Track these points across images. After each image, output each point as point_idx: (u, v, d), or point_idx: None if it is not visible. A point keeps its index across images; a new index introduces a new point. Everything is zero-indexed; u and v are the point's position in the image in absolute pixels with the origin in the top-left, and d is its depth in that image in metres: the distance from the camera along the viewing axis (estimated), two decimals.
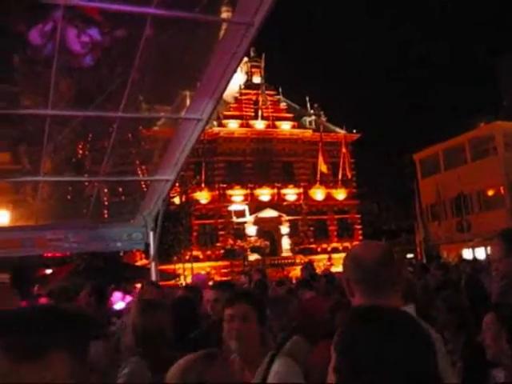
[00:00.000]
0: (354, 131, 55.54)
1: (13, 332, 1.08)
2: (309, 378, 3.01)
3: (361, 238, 53.44)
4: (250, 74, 52.73)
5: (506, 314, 2.79)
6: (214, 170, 48.88)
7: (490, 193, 40.39)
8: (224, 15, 5.53)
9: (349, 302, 2.29)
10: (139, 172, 8.29)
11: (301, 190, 51.86)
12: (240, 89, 51.69)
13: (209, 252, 47.28)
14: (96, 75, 5.89)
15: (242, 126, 51.16)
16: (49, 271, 25.11)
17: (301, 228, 51.48)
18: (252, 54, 50.81)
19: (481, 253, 29.42)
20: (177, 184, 23.56)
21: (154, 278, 8.08)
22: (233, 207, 45.60)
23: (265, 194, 50.42)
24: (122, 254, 24.08)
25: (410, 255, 43.21)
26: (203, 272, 31.87)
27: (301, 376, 2.78)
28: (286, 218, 49.90)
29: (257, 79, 52.38)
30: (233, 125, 50.90)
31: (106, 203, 8.84)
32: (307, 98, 56.98)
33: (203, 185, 46.12)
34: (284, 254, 48.50)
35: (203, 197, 47.48)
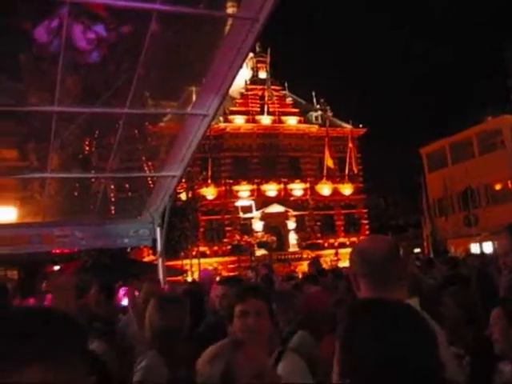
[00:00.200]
0: (361, 126, 55.38)
1: None
2: (316, 372, 3.01)
3: (368, 232, 53.33)
4: (255, 70, 52.66)
5: None
6: (221, 165, 48.87)
7: (498, 187, 40.18)
8: (229, 10, 5.52)
9: (354, 297, 2.29)
10: (146, 168, 8.30)
11: (307, 185, 51.79)
12: (246, 84, 51.62)
13: (216, 248, 47.32)
14: (102, 72, 5.89)
15: (248, 121, 51.10)
16: (56, 268, 25.21)
17: (307, 223, 51.44)
18: (258, 49, 50.71)
19: (488, 247, 29.28)
20: (183, 180, 23.59)
21: (161, 273, 8.10)
22: (239, 203, 45.55)
23: (271, 189, 50.40)
24: (129, 250, 24.13)
25: (417, 250, 43.12)
26: (210, 268, 31.93)
27: (308, 373, 2.77)
28: (292, 213, 49.87)
29: (263, 74, 52.29)
30: (239, 120, 50.85)
31: (113, 199, 8.86)
32: (313, 93, 56.96)
33: (210, 180, 46.14)
34: (291, 250, 48.48)
35: (210, 192, 47.51)
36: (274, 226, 49.01)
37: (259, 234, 46.40)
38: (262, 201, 48.51)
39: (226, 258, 46.17)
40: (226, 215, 48.24)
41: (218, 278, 7.74)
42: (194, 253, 33.20)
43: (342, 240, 51.09)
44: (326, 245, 51.06)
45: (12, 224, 7.89)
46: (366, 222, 55.22)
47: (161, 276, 8.12)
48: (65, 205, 8.40)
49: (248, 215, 45.29)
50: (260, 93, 51.70)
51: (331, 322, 4.10)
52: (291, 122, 52.99)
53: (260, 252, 43.70)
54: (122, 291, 8.95)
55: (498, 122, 40.48)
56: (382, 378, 1.47)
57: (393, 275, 2.14)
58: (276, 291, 6.21)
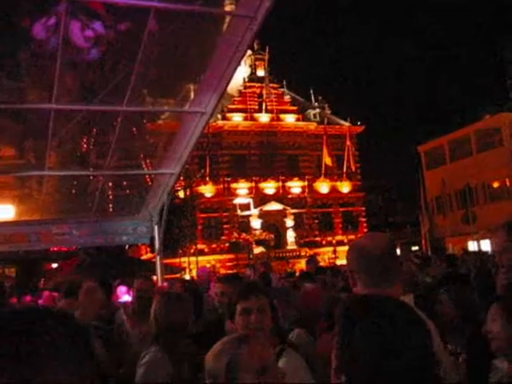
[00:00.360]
0: (359, 124, 55.41)
1: None
2: (314, 369, 3.01)
3: (365, 230, 53.40)
4: (253, 67, 52.64)
5: (510, 305, 2.79)
6: (219, 163, 48.89)
7: (496, 185, 40.25)
8: (227, 8, 5.52)
9: (350, 294, 2.31)
10: (144, 166, 8.30)
11: (305, 183, 51.82)
12: (244, 82, 51.60)
13: (214, 245, 47.35)
14: (100, 69, 5.89)
15: (246, 119, 51.10)
16: (54, 265, 25.21)
17: (305, 221, 51.50)
18: (256, 46, 50.74)
19: (486, 245, 29.32)
20: (181, 178, 23.59)
21: (159, 271, 8.10)
22: (237, 200, 45.60)
23: (269, 187, 50.43)
24: (127, 248, 24.13)
25: (415, 247, 43.19)
26: (208, 265, 31.95)
27: (307, 371, 2.78)
28: (290, 210, 49.90)
29: (261, 72, 52.27)
30: (237, 118, 50.85)
31: (111, 197, 8.86)
32: (311, 91, 56.97)
33: (208, 178, 46.19)
34: (289, 247, 48.50)
35: (208, 190, 47.54)
36: (272, 223, 49.05)
37: (257, 232, 46.39)
38: (260, 198, 48.56)
39: (224, 256, 46.20)
40: (224, 213, 48.29)
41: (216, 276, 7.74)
42: (192, 250, 33.20)
43: (339, 238, 51.11)
44: (323, 242, 51.13)
45: (10, 222, 7.88)
46: (363, 219, 55.30)
47: (159, 274, 8.12)
48: (63, 202, 8.39)
49: (246, 213, 45.36)
50: (258, 90, 51.68)
51: (326, 319, 4.12)
52: (289, 119, 52.99)
53: (258, 250, 43.70)
54: (120, 289, 8.95)
55: (496, 120, 40.54)
56: (377, 373, 1.50)
57: (389, 272, 2.16)
58: (273, 288, 6.23)
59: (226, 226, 48.47)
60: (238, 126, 50.62)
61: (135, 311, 5.38)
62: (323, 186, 53.13)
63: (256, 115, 51.60)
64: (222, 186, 48.66)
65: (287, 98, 54.15)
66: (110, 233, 8.12)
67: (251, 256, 39.54)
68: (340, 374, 1.62)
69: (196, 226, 34.99)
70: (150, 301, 5.32)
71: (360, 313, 1.63)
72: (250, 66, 52.56)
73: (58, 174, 7.66)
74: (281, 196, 50.18)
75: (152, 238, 8.17)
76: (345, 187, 54.18)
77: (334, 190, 53.65)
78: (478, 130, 41.68)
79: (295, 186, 51.70)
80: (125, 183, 8.91)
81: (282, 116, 52.62)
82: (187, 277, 24.05)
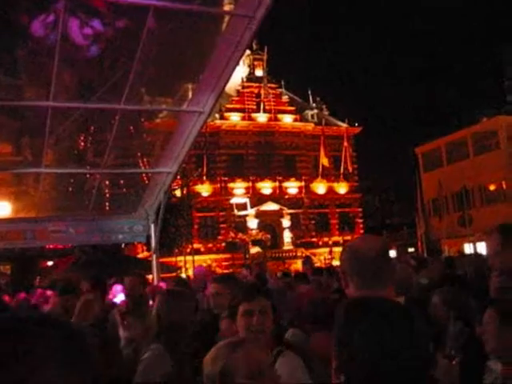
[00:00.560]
0: (356, 125, 55.46)
1: None
2: (311, 368, 3.01)
3: (362, 231, 53.51)
4: (252, 67, 52.62)
5: (506, 309, 2.80)
6: (216, 162, 48.86)
7: (492, 187, 40.29)
8: (226, 8, 5.51)
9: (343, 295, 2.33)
10: (141, 164, 8.29)
11: (302, 184, 51.84)
12: (242, 82, 51.58)
13: (210, 245, 47.34)
14: (98, 67, 5.88)
15: (243, 118, 51.09)
16: (50, 263, 25.17)
17: (302, 221, 51.52)
18: (254, 46, 50.71)
19: (482, 247, 29.38)
20: (178, 176, 23.55)
21: (155, 270, 8.10)
22: (234, 200, 45.58)
23: (266, 187, 50.44)
24: (123, 246, 24.10)
25: (411, 249, 43.21)
26: (204, 264, 31.91)
27: (305, 372, 2.78)
28: (287, 211, 49.90)
29: (259, 72, 52.27)
30: (235, 118, 50.83)
31: (108, 195, 8.85)
32: (309, 92, 56.98)
33: (205, 177, 46.13)
34: (285, 247, 48.52)
35: (205, 189, 47.52)
36: (269, 223, 49.07)
37: (254, 232, 46.40)
38: (257, 198, 48.57)
39: (221, 255, 46.18)
40: (220, 212, 48.28)
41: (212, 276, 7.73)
42: (188, 250, 33.16)
43: (336, 238, 51.08)
44: (320, 243, 51.13)
45: (6, 219, 7.87)
46: (360, 220, 55.34)
47: (155, 272, 8.12)
48: (59, 200, 8.38)
49: (243, 213, 45.34)
50: (256, 90, 51.68)
51: (312, 320, 4.13)
52: (287, 120, 53.00)
53: (254, 250, 43.69)
54: (115, 288, 8.93)
55: (493, 123, 40.59)
56: (375, 373, 1.52)
57: (381, 274, 2.17)
58: (271, 289, 6.23)
59: (222, 226, 48.46)
60: (236, 126, 50.61)
61: (127, 309, 5.39)
62: (320, 187, 53.15)
63: (254, 115, 51.60)
64: (218, 185, 48.66)
65: (285, 98, 54.15)
66: (106, 231, 8.13)
67: (247, 256, 39.52)
68: (339, 373, 1.65)
69: (192, 225, 34.96)
70: (141, 298, 5.35)
71: (358, 314, 1.66)
72: (249, 65, 52.54)
73: (54, 172, 7.65)
74: (277, 196, 50.19)
75: (148, 237, 8.17)
76: (342, 188, 54.21)
77: (330, 190, 53.67)
78: (475, 133, 41.73)
79: (292, 187, 51.71)
80: (122, 182, 8.90)
81: (279, 116, 52.63)
82: (183, 276, 24.02)
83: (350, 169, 51.55)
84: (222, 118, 49.68)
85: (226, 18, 5.22)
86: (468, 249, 31.49)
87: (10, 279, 25.19)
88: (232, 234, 46.24)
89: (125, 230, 8.12)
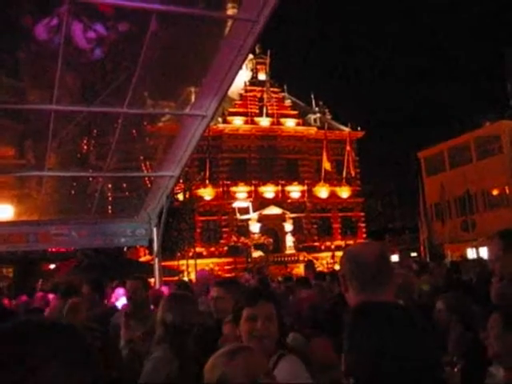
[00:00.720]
0: (359, 129, 55.46)
1: None
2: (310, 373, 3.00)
3: (364, 236, 53.50)
4: (255, 71, 52.70)
5: (510, 314, 2.80)
6: (219, 166, 48.91)
7: (495, 192, 40.26)
8: (229, 12, 5.51)
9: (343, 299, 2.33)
10: (143, 168, 8.29)
11: (305, 188, 51.83)
12: (245, 85, 51.67)
13: (212, 249, 47.33)
14: (101, 71, 5.88)
15: (246, 122, 51.13)
16: (52, 266, 25.19)
17: (304, 225, 51.49)
18: (257, 50, 50.79)
19: (485, 252, 29.33)
20: (181, 180, 23.57)
21: (157, 274, 8.09)
22: (237, 204, 45.60)
23: (269, 191, 50.44)
24: (125, 249, 24.12)
25: (413, 254, 43.16)
26: (207, 268, 31.91)
27: (307, 374, 2.75)
28: (289, 215, 49.91)
29: (262, 76, 52.32)
30: (237, 121, 50.89)
31: (110, 199, 8.85)
32: (312, 96, 57.03)
33: (207, 181, 46.18)
34: (287, 252, 48.47)
35: (207, 193, 47.53)
36: (271, 227, 49.06)
37: (256, 236, 46.41)
38: (260, 202, 48.56)
39: (223, 259, 46.17)
40: (223, 216, 48.29)
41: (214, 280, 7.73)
42: (190, 253, 33.19)
43: (338, 243, 51.05)
44: (322, 247, 51.10)
45: (8, 222, 7.88)
46: (362, 225, 55.30)
47: (157, 276, 8.11)
48: (62, 203, 8.39)
49: (245, 216, 45.36)
50: (259, 94, 51.74)
51: (311, 325, 4.13)
52: (290, 124, 53.04)
53: (256, 254, 43.71)
54: (117, 291, 8.93)
55: (496, 128, 40.58)
56: (383, 376, 1.55)
57: (381, 278, 2.17)
58: (276, 293, 6.23)
59: (224, 230, 48.46)
60: (239, 130, 50.66)
61: (129, 312, 5.40)
62: (322, 191, 53.15)
63: (256, 119, 51.65)
64: (221, 189, 48.67)
65: (288, 102, 54.21)
66: (108, 234, 8.13)
67: (249, 260, 39.53)
68: (348, 377, 1.67)
69: (195, 228, 34.94)
70: (142, 301, 5.36)
71: (366, 319, 1.69)
72: (252, 69, 52.63)
73: (57, 175, 7.66)
74: (280, 200, 50.18)
75: (150, 241, 8.17)
76: (344, 192, 54.19)
77: (333, 194, 53.66)
78: (478, 138, 41.72)
79: (295, 191, 51.70)
80: (124, 185, 8.90)
81: (282, 120, 52.67)
82: (185, 279, 24.02)
83: (353, 173, 51.52)
84: (224, 121, 49.74)
85: (229, 22, 5.22)
86: (471, 254, 31.46)
87: (12, 282, 25.21)
88: (234, 238, 46.25)
89: (127, 234, 8.12)
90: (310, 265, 10.87)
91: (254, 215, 47.28)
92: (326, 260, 46.65)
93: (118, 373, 4.13)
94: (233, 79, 5.57)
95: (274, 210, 49.33)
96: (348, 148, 50.54)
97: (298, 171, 52.59)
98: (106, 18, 5.00)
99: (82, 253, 21.48)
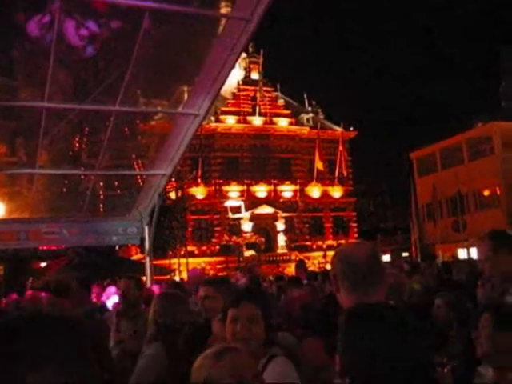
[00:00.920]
0: (352, 129, 55.56)
1: None
2: (301, 372, 2.99)
3: (356, 235, 53.60)
4: (248, 70, 52.65)
5: (502, 314, 2.81)
6: (211, 165, 48.86)
7: (486, 193, 40.44)
8: (223, 10, 5.50)
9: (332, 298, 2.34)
10: (135, 166, 8.27)
11: (297, 187, 51.85)
12: (238, 85, 51.60)
13: (204, 247, 47.28)
14: (93, 68, 5.86)
15: (239, 121, 51.10)
16: (43, 264, 25.09)
17: (296, 225, 51.52)
18: (250, 49, 50.73)
19: (475, 253, 29.46)
20: (173, 179, 23.52)
21: (148, 272, 8.07)
22: (229, 203, 45.55)
23: (261, 190, 50.44)
24: (117, 248, 24.06)
25: (405, 254, 43.28)
26: (198, 267, 31.87)
27: (297, 377, 2.73)
28: (281, 214, 49.92)
29: (255, 75, 52.28)
30: (230, 120, 50.85)
31: (102, 197, 8.83)
32: (305, 95, 57.09)
33: (199, 180, 46.10)
34: (279, 251, 48.47)
35: (199, 192, 47.46)
36: (263, 227, 49.06)
37: (248, 235, 46.40)
38: (252, 201, 48.53)
39: (215, 258, 46.12)
40: (215, 215, 48.24)
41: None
42: (182, 252, 33.13)
43: (330, 242, 51.11)
44: (314, 247, 51.16)
45: None
46: (354, 224, 55.40)
47: (148, 275, 8.10)
48: (53, 201, 8.35)
49: (237, 216, 45.31)
50: (252, 93, 51.71)
51: (301, 323, 4.13)
52: (282, 123, 53.05)
53: (248, 253, 43.71)
54: (109, 289, 8.91)
55: (487, 129, 40.75)
56: (378, 375, 1.56)
57: (372, 278, 2.18)
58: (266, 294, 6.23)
59: (216, 229, 48.42)
60: (231, 129, 50.62)
61: (121, 311, 5.39)
62: (315, 191, 53.19)
63: (249, 118, 51.63)
64: (213, 188, 48.61)
65: (281, 101, 54.21)
66: (100, 233, 8.10)
67: (241, 259, 39.52)
68: (343, 376, 1.68)
69: (187, 227, 34.92)
70: (134, 301, 5.35)
71: (360, 320, 1.71)
72: (245, 68, 52.57)
73: (48, 173, 7.63)
74: (272, 199, 50.18)
75: (142, 239, 8.14)
76: (336, 192, 54.26)
77: (325, 194, 53.71)
78: (470, 139, 41.89)
79: (287, 190, 51.72)
80: (116, 183, 8.88)
81: (275, 119, 52.67)
82: (177, 278, 23.99)
83: (345, 173, 51.57)
84: (217, 120, 49.68)
85: (223, 21, 5.21)
86: (462, 254, 31.58)
87: (2, 280, 25.09)
88: (226, 237, 46.23)
89: (119, 232, 8.10)
90: (301, 264, 10.82)
91: (246, 214, 47.26)
92: (318, 259, 46.73)
93: (109, 374, 4.11)
94: (226, 78, 5.56)
95: (266, 210, 49.33)
96: (340, 148, 50.57)
97: (290, 171, 52.61)
98: (98, 15, 4.98)
99: (73, 251, 21.40)
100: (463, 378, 3.28)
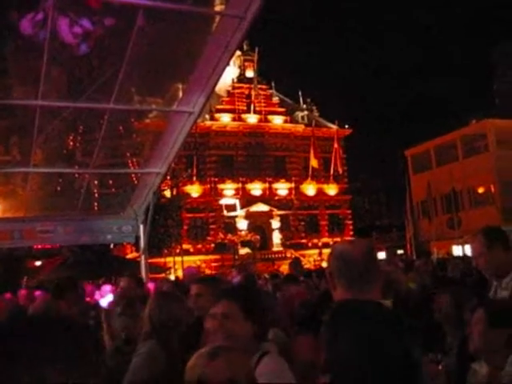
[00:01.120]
0: (346, 127, 55.57)
1: None
2: (293, 369, 2.98)
3: (352, 233, 53.66)
4: (242, 68, 52.60)
5: (494, 311, 2.81)
6: (206, 163, 48.81)
7: (481, 190, 40.56)
8: (217, 8, 5.49)
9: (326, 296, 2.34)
10: (130, 164, 8.26)
11: (292, 185, 51.85)
12: (233, 82, 51.55)
13: (199, 245, 47.24)
14: (87, 66, 5.84)
15: (234, 119, 51.06)
16: (38, 263, 25.01)
17: (292, 223, 51.53)
18: (245, 47, 50.71)
19: (470, 249, 29.51)
20: (168, 177, 23.49)
21: (143, 271, 8.06)
22: (224, 201, 45.55)
23: (256, 188, 50.41)
24: (112, 246, 24.00)
25: (400, 251, 43.34)
26: (194, 265, 31.85)
27: (289, 373, 2.71)
28: (277, 212, 49.91)
29: (250, 73, 52.25)
30: (225, 118, 50.79)
31: (97, 195, 8.81)
32: (300, 93, 57.07)
33: (194, 178, 46.04)
34: (275, 249, 48.48)
35: (194, 190, 47.40)
36: (258, 224, 49.04)
37: (243, 233, 46.40)
38: (247, 199, 48.54)
39: (210, 256, 46.08)
40: (210, 213, 48.19)
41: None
42: (177, 250, 33.09)
43: (325, 240, 51.07)
44: (309, 244, 51.18)
45: None
46: (349, 222, 55.45)
47: (143, 273, 8.09)
48: (47, 200, 8.33)
49: (232, 214, 45.34)
50: (247, 91, 51.66)
51: (299, 320, 4.13)
52: (277, 121, 53.02)
53: (244, 251, 43.72)
54: (104, 288, 8.89)
55: (482, 126, 40.87)
56: (360, 373, 1.56)
57: (368, 276, 2.18)
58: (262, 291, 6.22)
59: (211, 227, 48.37)
60: (226, 127, 50.56)
61: (121, 310, 5.37)
62: (310, 188, 53.20)
63: (244, 116, 51.59)
64: (208, 186, 48.56)
65: (275, 99, 54.18)
66: (95, 231, 8.09)
67: (237, 257, 39.53)
68: (325, 373, 1.67)
69: (182, 225, 34.85)
70: (134, 299, 5.35)
71: (344, 316, 1.70)
72: (239, 66, 52.51)
73: (43, 171, 7.61)
74: (267, 197, 50.18)
75: (137, 237, 8.14)
76: (331, 190, 54.29)
77: (320, 192, 53.73)
78: (465, 136, 41.99)
79: (282, 188, 51.70)
80: (111, 182, 8.87)
81: (270, 117, 52.64)
82: (172, 277, 23.97)
83: (340, 170, 51.57)
84: (212, 118, 49.60)
85: (217, 19, 5.20)
86: (457, 251, 31.65)
87: None
88: (221, 235, 46.20)
89: (113, 231, 8.08)
90: (296, 263, 10.67)
91: (241, 212, 47.26)
92: (313, 257, 46.72)
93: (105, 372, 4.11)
94: (220, 76, 5.56)
95: (261, 207, 49.32)
96: (335, 145, 50.54)
97: (285, 168, 52.61)
98: (92, 13, 4.96)
99: (67, 250, 21.35)
100: (457, 375, 3.29)
